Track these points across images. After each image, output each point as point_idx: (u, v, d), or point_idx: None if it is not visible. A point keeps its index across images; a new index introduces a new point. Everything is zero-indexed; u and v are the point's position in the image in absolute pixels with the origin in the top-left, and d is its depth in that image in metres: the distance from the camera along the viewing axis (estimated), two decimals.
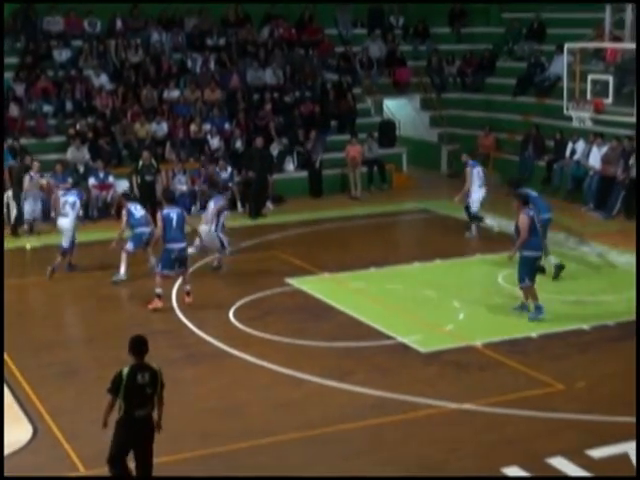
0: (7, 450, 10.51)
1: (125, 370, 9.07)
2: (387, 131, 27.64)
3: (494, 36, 30.69)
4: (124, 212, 17.43)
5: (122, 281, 17.19)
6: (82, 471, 10.17)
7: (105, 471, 9.28)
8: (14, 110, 24.24)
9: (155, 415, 9.28)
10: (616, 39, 20.17)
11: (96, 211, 22.65)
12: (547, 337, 14.21)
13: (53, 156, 23.39)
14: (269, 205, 23.38)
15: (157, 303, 15.66)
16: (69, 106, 25.15)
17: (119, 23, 27.60)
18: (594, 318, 14.91)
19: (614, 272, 17.84)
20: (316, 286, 16.91)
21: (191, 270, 16.66)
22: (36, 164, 21.21)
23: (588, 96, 19.49)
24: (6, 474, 9.70)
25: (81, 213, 19.38)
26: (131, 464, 9.21)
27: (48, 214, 20.79)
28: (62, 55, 26.67)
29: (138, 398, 9.04)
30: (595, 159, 23.26)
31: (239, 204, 23.13)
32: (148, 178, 22.09)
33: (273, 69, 27.64)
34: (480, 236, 20.29)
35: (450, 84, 30.17)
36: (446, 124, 29.23)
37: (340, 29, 30.58)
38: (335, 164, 25.73)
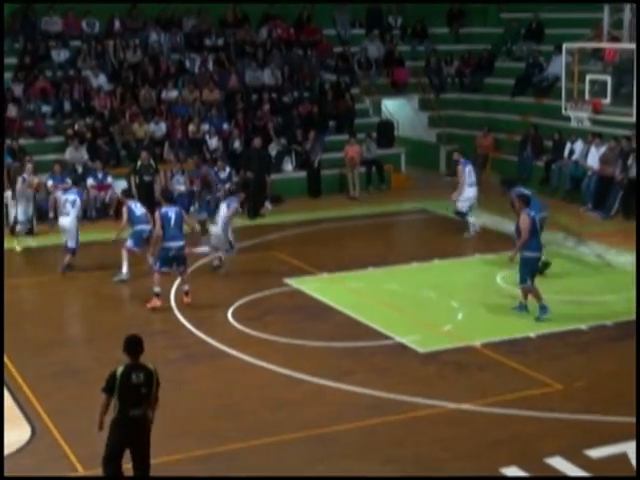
0: (6, 450, 10.50)
1: (119, 369, 9.07)
2: (385, 131, 27.63)
3: (492, 36, 30.68)
4: (125, 209, 17.43)
5: (125, 280, 17.18)
6: (81, 471, 10.17)
7: None
8: (12, 110, 24.19)
9: (150, 414, 9.26)
10: (614, 39, 20.12)
11: (94, 211, 22.59)
12: (546, 337, 14.22)
13: (51, 156, 23.35)
14: (267, 205, 23.33)
15: (156, 302, 15.68)
16: (67, 106, 25.11)
17: (117, 23, 27.59)
18: (592, 318, 14.93)
19: (612, 272, 17.85)
20: (314, 286, 16.92)
21: (190, 270, 16.66)
22: (29, 166, 20.80)
23: (586, 96, 19.46)
24: (5, 474, 9.69)
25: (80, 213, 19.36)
26: (129, 465, 9.20)
27: (45, 215, 20.76)
28: (60, 55, 26.65)
29: (133, 398, 9.02)
30: (593, 159, 23.28)
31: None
32: (146, 178, 22.10)
33: (271, 69, 27.63)
34: (479, 236, 20.31)
35: (448, 84, 30.17)
36: (444, 124, 29.24)
37: (338, 29, 30.56)
38: (333, 164, 25.71)
